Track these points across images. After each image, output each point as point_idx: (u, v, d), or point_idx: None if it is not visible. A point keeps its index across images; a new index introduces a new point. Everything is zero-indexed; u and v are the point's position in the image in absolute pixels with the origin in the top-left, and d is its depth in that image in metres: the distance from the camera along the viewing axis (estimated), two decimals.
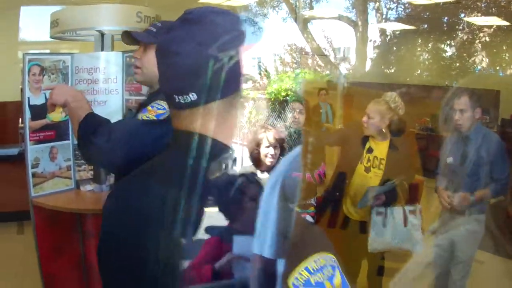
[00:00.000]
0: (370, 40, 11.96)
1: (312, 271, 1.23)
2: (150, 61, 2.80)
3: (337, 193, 5.19)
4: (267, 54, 13.30)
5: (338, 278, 1.28)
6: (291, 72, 12.93)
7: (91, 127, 2.56)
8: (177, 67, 1.30)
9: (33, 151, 4.76)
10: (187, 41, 1.28)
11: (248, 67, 12.64)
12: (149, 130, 2.54)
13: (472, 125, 4.67)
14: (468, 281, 4.98)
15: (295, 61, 12.93)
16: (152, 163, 1.37)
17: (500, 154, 4.63)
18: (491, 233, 5.15)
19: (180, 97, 1.30)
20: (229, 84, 1.29)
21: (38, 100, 4.77)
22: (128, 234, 1.23)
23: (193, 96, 1.28)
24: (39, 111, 4.75)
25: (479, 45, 11.53)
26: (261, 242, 1.22)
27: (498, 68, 11.81)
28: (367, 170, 4.94)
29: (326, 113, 10.17)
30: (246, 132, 11.39)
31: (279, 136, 4.52)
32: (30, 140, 4.76)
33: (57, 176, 4.95)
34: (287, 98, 5.61)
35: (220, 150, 1.33)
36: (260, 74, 13.42)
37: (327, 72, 12.57)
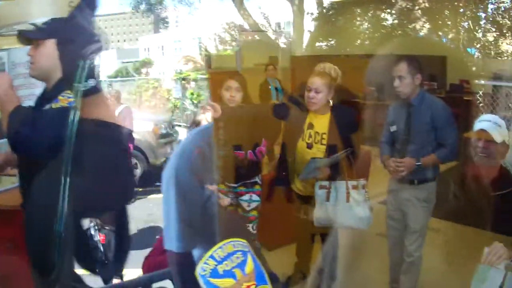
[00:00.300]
0: (308, 13, 11.92)
1: (219, 259, 1.21)
2: (42, 56, 2.96)
3: (283, 171, 5.13)
4: (206, 34, 13.16)
5: (250, 265, 1.20)
6: (230, 51, 12.85)
7: (19, 118, 2.85)
8: (76, 56, 1.24)
9: None
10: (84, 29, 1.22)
11: (188, 47, 12.53)
12: (65, 116, 2.69)
13: (413, 92, 4.60)
14: (424, 250, 4.93)
15: (234, 39, 12.85)
16: None
17: (445, 119, 4.55)
18: (446, 200, 5.10)
19: (81, 84, 1.23)
20: None
21: None
22: None
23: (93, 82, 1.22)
24: None
25: (419, 11, 11.57)
26: (169, 237, 1.16)
27: (440, 34, 11.86)
28: (309, 146, 4.82)
29: (276, 89, 9.97)
30: (189, 114, 11.23)
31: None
32: None
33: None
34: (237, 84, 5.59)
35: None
36: (200, 54, 13.31)
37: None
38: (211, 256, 1.14)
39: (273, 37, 12.39)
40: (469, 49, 10.73)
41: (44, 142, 2.79)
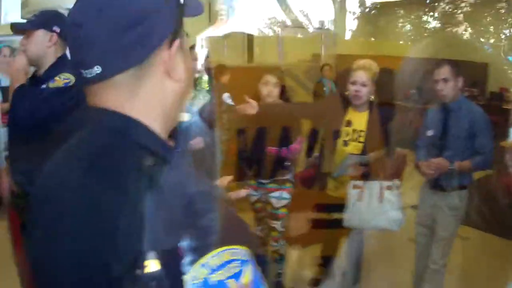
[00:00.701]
0: (350, 12, 11.78)
1: (213, 268, 1.08)
2: (32, 44, 3.34)
3: (316, 170, 5.09)
4: (250, 29, 13.08)
5: (247, 276, 1.12)
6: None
7: (18, 96, 3.24)
8: (79, 39, 1.17)
9: (5, 133, 4.58)
10: (88, 10, 1.15)
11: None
12: (60, 96, 3.13)
13: (455, 96, 4.53)
14: (452, 258, 4.89)
15: (276, 35, 12.76)
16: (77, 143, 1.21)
17: (483, 126, 4.48)
18: (477, 209, 5.03)
19: (85, 71, 1.16)
20: (133, 52, 1.16)
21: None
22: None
23: (98, 69, 1.14)
24: None
25: (461, 15, 11.40)
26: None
27: (482, 40, 11.68)
28: (346, 144, 4.76)
29: (331, 91, 9.72)
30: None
31: None
32: (2, 123, 4.77)
33: None
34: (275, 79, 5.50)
35: (128, 125, 1.19)
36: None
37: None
38: (204, 264, 1.07)
39: (315, 34, 12.29)
40: (510, 58, 10.54)
41: (37, 119, 3.04)
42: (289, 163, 5.12)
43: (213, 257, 1.08)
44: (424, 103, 5.18)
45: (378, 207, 4.58)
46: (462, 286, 5.31)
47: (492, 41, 11.24)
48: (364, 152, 4.69)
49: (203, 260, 1.07)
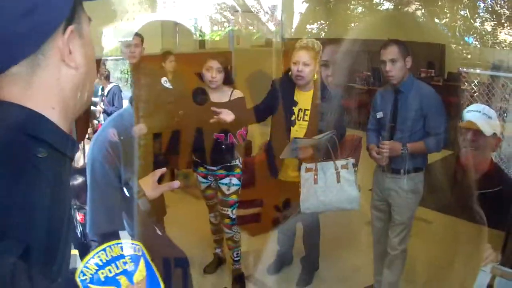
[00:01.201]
0: None
1: (101, 263, 1.03)
2: None
3: (269, 153, 5.06)
4: (201, 15, 12.96)
5: (140, 273, 1.02)
6: (221, 31, 12.68)
7: None
8: None
9: None
10: None
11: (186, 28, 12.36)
12: None
13: (404, 76, 4.38)
14: (416, 242, 4.93)
15: (226, 20, 12.67)
16: None
17: (435, 106, 4.37)
18: (440, 191, 4.95)
19: None
20: (27, 42, 1.12)
21: None
22: None
23: None
24: None
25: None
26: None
27: (437, 21, 11.67)
28: (292, 123, 4.73)
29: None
30: None
31: None
32: None
33: None
34: (219, 65, 5.43)
35: (27, 117, 1.14)
36: (195, 35, 13.13)
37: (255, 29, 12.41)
38: (93, 258, 0.95)
39: (265, 19, 12.20)
40: (466, 38, 10.56)
41: None
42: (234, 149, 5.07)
43: (102, 252, 0.97)
44: (379, 85, 5.05)
45: (336, 187, 4.49)
46: (427, 271, 5.25)
47: (447, 22, 11.23)
48: (309, 130, 4.64)
49: (91, 254, 1.03)
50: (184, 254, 1.46)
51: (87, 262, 0.99)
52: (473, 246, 3.02)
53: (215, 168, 5.04)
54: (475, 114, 3.52)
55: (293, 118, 4.69)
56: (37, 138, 1.10)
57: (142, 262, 1.06)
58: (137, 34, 5.59)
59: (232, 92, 4.93)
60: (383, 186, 4.65)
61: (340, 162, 4.51)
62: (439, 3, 11.25)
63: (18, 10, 1.07)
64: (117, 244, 1.04)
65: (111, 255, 1.02)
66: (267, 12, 11.74)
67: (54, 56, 1.16)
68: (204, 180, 5.15)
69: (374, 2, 12.03)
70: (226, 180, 5.05)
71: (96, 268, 0.99)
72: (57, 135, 1.16)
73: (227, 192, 5.07)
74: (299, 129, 4.68)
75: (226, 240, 5.38)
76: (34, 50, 1.12)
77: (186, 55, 8.89)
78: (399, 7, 11.37)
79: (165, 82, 5.53)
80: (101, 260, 0.99)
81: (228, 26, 12.33)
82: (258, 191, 5.55)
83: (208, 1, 12.21)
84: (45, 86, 1.16)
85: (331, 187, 4.48)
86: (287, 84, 4.75)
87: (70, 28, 1.17)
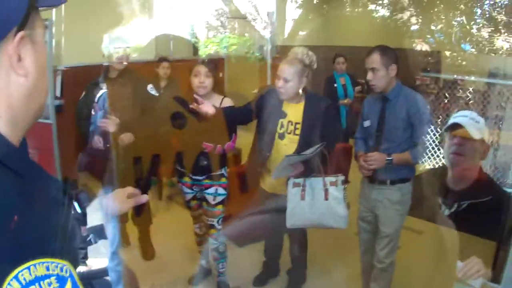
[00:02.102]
0: (292, 1, 11.68)
1: (24, 283, 0.92)
2: None
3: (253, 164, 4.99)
4: (197, 21, 12.95)
5: None
6: (214, 37, 12.65)
7: None
8: None
9: None
10: None
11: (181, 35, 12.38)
12: None
13: (389, 85, 4.29)
14: (406, 253, 4.81)
15: (222, 25, 12.65)
16: None
17: (421, 116, 4.25)
18: (430, 201, 4.85)
19: None
20: None
21: None
22: None
23: None
24: None
25: (412, 5, 11.35)
26: None
27: (433, 28, 11.62)
28: (281, 136, 4.59)
29: (345, 87, 8.88)
30: None
31: None
32: None
33: None
34: (207, 70, 5.41)
35: None
36: (191, 42, 13.12)
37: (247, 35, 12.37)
38: (16, 277, 0.85)
39: (260, 26, 12.17)
40: (463, 45, 10.52)
41: None
42: (223, 158, 5.00)
43: (24, 271, 0.86)
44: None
45: (323, 205, 4.36)
46: (417, 283, 5.16)
47: (443, 29, 11.20)
48: (300, 145, 4.49)
49: (13, 273, 0.92)
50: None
51: (10, 280, 0.88)
52: (465, 257, 2.92)
53: (200, 178, 4.93)
54: (462, 118, 3.40)
55: (281, 131, 4.58)
56: None
57: (69, 284, 0.96)
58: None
59: (222, 100, 4.85)
60: (369, 197, 4.55)
61: (329, 179, 4.37)
62: (435, 9, 11.22)
63: None
64: (41, 263, 0.93)
65: (35, 275, 0.93)
66: (257, 19, 11.73)
67: (3, 62, 1.10)
68: (189, 191, 5.06)
69: (369, 9, 12.00)
70: (211, 190, 4.94)
71: (20, 287, 0.88)
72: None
73: (212, 202, 4.97)
74: (288, 143, 4.56)
75: (211, 251, 5.26)
76: None
77: (180, 61, 8.81)
78: (394, 13, 11.33)
79: (151, 89, 5.47)
80: (24, 279, 0.88)
81: (224, 33, 12.33)
82: (245, 200, 5.45)
83: (203, 8, 12.20)
84: None
85: (318, 204, 4.36)
86: (275, 94, 4.61)
87: (21, 34, 1.11)
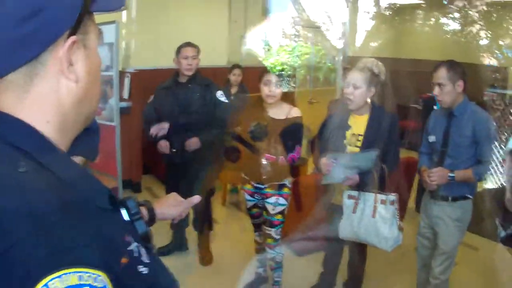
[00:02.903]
0: (364, 12, 11.57)
1: None
2: None
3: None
4: (271, 28, 12.94)
5: None
6: (287, 46, 12.60)
7: None
8: None
9: None
10: None
11: (255, 42, 12.41)
12: None
13: (456, 101, 4.21)
14: (462, 269, 4.81)
15: (296, 34, 12.60)
16: None
17: (487, 133, 4.17)
18: (488, 218, 4.75)
19: None
20: (26, 48, 1.04)
21: None
22: None
23: None
24: None
25: (483, 20, 11.15)
26: None
27: (501, 44, 11.40)
28: (343, 148, 4.53)
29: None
30: None
31: None
32: None
33: None
34: (283, 72, 5.36)
35: (14, 128, 1.08)
36: (263, 49, 13.09)
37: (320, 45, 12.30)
38: (46, 285, 0.84)
39: (332, 36, 12.08)
40: None
41: None
42: (286, 169, 4.97)
43: (55, 279, 0.87)
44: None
45: (370, 222, 4.32)
46: None
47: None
48: None
49: (44, 280, 0.86)
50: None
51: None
52: None
53: (262, 187, 4.93)
54: None
55: (344, 142, 4.51)
56: (21, 150, 1.03)
57: None
58: (193, 45, 5.52)
59: (290, 110, 4.83)
60: (430, 213, 4.49)
61: (380, 196, 4.31)
62: (504, 25, 11.00)
63: (20, 13, 1.01)
64: (75, 272, 0.91)
65: (67, 284, 0.88)
66: (330, 29, 11.67)
67: (53, 66, 1.08)
68: (250, 198, 5.06)
69: (440, 22, 11.82)
70: (272, 199, 4.91)
71: None
72: (44, 150, 1.07)
73: (272, 212, 4.94)
74: None
75: (268, 260, 5.27)
76: (33, 57, 1.05)
77: (251, 68, 8.82)
78: (465, 27, 11.15)
79: (220, 95, 5.51)
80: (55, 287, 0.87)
81: (297, 42, 12.29)
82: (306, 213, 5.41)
83: (278, 16, 12.20)
84: (41, 98, 1.09)
85: (365, 220, 4.32)
86: (342, 107, 4.58)
87: (72, 38, 1.09)
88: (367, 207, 4.32)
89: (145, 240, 1.25)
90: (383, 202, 4.28)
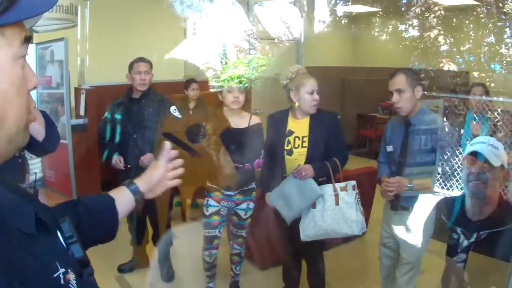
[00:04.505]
0: (319, 21, 11.59)
1: None
2: None
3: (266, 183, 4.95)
4: (227, 41, 12.95)
5: None
6: (244, 58, 12.61)
7: None
8: None
9: None
10: None
11: (210, 55, 12.41)
12: None
13: (414, 108, 4.15)
14: (429, 276, 4.83)
15: (252, 46, 12.63)
16: None
17: (445, 141, 4.13)
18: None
19: None
20: None
21: None
22: None
23: None
24: None
25: (441, 25, 11.25)
26: None
27: (462, 48, 11.52)
28: (289, 152, 4.62)
29: None
30: None
31: None
32: None
33: None
34: (240, 85, 5.36)
35: None
36: (221, 62, 13.08)
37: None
38: None
39: (288, 47, 12.13)
40: (492, 65, 10.38)
41: None
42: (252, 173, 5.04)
43: None
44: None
45: (334, 210, 4.36)
46: None
47: (471, 49, 11.10)
48: (309, 156, 4.52)
49: None
50: None
51: None
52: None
53: (232, 193, 4.99)
54: (481, 145, 3.31)
55: (289, 147, 4.60)
56: None
57: None
58: (145, 60, 5.57)
59: (250, 117, 4.92)
60: (391, 222, 4.43)
61: (339, 184, 4.40)
62: (464, 29, 11.11)
63: None
64: None
65: None
66: (285, 41, 11.68)
67: None
68: (214, 204, 5.03)
69: (398, 29, 11.91)
70: (243, 206, 5.02)
71: None
72: None
73: (244, 217, 5.07)
74: (298, 157, 4.56)
75: (231, 255, 5.39)
76: None
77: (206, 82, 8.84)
78: (423, 34, 11.23)
79: (174, 111, 5.47)
80: None
81: (255, 54, 12.30)
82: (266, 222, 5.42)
83: (235, 29, 12.21)
84: None
85: (329, 211, 4.36)
86: (283, 115, 4.75)
87: None
88: (327, 198, 4.38)
89: (81, 264, 1.20)
90: (343, 189, 4.37)
